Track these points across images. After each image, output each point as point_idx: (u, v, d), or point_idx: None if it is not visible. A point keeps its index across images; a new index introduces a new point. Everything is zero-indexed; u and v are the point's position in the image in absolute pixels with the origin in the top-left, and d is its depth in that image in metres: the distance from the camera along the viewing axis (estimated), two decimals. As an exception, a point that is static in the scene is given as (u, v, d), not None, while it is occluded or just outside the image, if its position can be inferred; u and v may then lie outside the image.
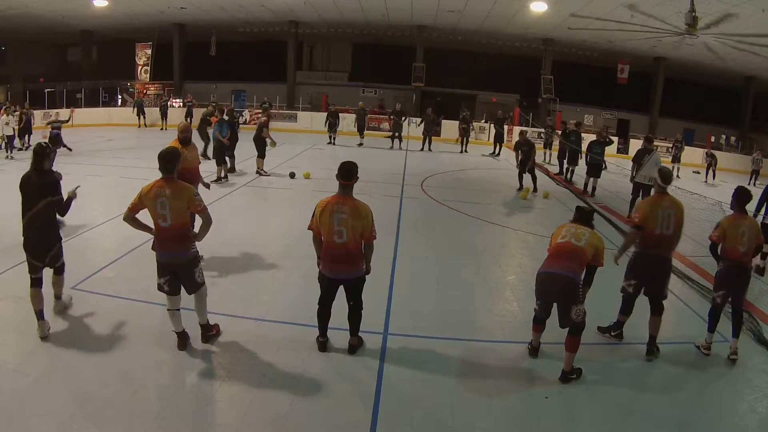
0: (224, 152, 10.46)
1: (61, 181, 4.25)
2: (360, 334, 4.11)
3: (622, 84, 22.82)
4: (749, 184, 14.55)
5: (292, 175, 11.06)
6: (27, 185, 4.07)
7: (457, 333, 4.53)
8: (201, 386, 3.56)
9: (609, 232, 8.11)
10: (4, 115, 12.64)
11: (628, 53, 21.79)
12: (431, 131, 17.62)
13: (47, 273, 4.27)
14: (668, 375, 4.14)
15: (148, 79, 24.09)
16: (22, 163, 8.09)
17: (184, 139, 5.72)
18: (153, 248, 3.92)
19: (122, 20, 22.20)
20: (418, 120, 18.55)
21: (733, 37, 15.91)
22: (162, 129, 20.19)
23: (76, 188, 4.38)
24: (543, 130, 18.44)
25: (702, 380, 4.12)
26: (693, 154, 19.93)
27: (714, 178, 16.63)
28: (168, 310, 3.93)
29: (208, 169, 7.89)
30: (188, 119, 19.47)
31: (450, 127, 20.51)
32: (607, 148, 11.39)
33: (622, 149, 21.47)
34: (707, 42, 16.75)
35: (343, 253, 3.81)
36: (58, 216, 4.22)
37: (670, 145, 18.49)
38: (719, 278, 4.46)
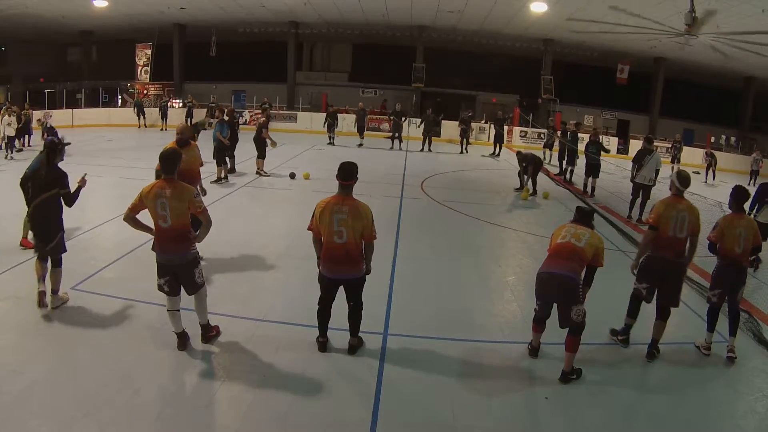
0: (224, 153, 10.47)
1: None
2: (360, 334, 4.11)
3: (622, 84, 22.82)
4: (749, 184, 14.55)
5: (292, 176, 11.06)
6: (36, 177, 4.39)
7: (457, 333, 4.53)
8: (201, 386, 3.56)
9: (609, 232, 8.11)
10: (6, 115, 12.66)
11: (628, 53, 21.81)
12: (431, 132, 17.62)
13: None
14: (668, 375, 4.15)
15: (148, 80, 24.10)
16: (23, 163, 8.08)
17: (179, 140, 5.69)
18: (153, 249, 3.92)
19: (122, 20, 22.21)
20: (418, 120, 18.54)
21: (728, 36, 15.90)
22: (162, 129, 20.20)
23: (84, 175, 4.57)
24: (545, 130, 18.45)
25: (702, 380, 4.12)
26: (693, 155, 19.94)
27: (714, 179, 16.64)
28: (168, 310, 3.93)
29: (208, 169, 7.88)
30: (188, 120, 19.54)
31: (450, 128, 20.52)
32: (603, 150, 11.41)
33: (622, 150, 21.49)
34: (707, 42, 16.74)
35: (343, 254, 3.81)
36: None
37: (670, 146, 18.52)
38: (715, 277, 4.48)
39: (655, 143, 10.05)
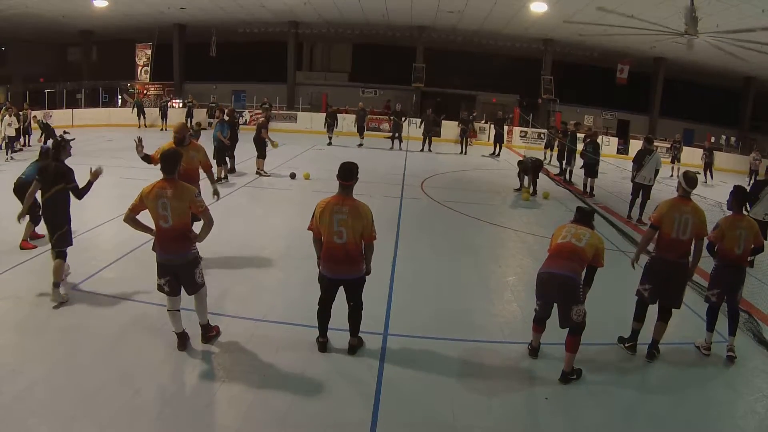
0: (225, 153, 10.47)
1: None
2: (360, 334, 4.11)
3: (622, 84, 22.80)
4: (749, 184, 14.53)
5: (293, 176, 11.06)
6: (45, 172, 4.65)
7: (457, 333, 4.53)
8: (201, 386, 3.56)
9: (609, 232, 8.11)
10: (7, 115, 12.66)
11: (628, 54, 21.80)
12: (431, 132, 17.62)
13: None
14: (668, 375, 4.15)
15: (148, 80, 24.09)
16: (23, 163, 8.08)
17: (176, 139, 5.68)
18: (153, 249, 3.92)
19: (122, 20, 22.19)
20: (418, 121, 18.52)
21: (728, 34, 15.87)
22: (162, 129, 20.19)
23: (98, 167, 4.78)
24: (545, 131, 18.45)
25: (702, 380, 4.12)
26: (693, 155, 19.91)
27: (712, 178, 16.60)
28: (168, 310, 3.93)
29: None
30: (189, 120, 19.54)
31: (450, 128, 20.52)
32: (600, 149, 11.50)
33: (622, 150, 21.48)
34: (708, 41, 16.71)
35: (343, 254, 3.81)
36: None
37: (670, 146, 18.50)
38: (713, 277, 4.48)
39: (655, 143, 10.06)
